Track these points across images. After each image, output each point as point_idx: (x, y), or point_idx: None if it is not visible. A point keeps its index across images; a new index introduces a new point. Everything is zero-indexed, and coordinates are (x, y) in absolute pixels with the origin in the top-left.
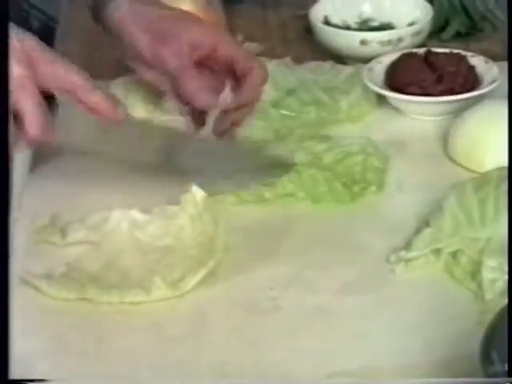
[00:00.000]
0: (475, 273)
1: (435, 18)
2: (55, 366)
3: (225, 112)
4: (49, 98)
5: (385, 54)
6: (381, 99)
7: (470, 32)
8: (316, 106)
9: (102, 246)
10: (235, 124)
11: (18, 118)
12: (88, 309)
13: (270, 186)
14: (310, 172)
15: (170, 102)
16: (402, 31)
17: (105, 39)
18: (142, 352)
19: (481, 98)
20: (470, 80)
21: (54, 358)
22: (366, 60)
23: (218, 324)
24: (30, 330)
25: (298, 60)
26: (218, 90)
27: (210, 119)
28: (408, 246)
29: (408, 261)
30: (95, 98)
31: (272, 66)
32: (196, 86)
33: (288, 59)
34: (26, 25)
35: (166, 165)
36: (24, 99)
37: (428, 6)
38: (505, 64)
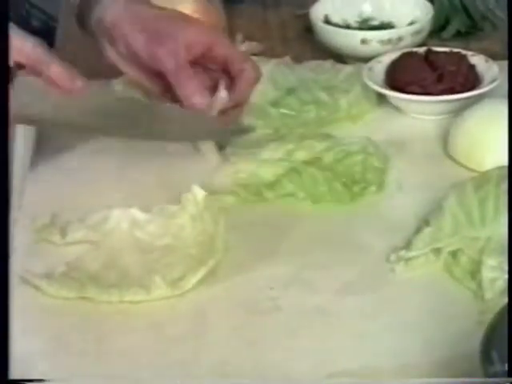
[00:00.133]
0: (475, 272)
1: (435, 17)
2: (55, 366)
3: (220, 112)
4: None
5: (385, 53)
6: (381, 98)
7: (471, 31)
8: (316, 105)
9: (102, 245)
10: (227, 124)
11: None
12: (88, 308)
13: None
14: (309, 172)
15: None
16: (402, 30)
17: None
18: (142, 352)
19: (481, 97)
20: (470, 79)
21: (53, 358)
22: (366, 59)
23: (218, 324)
24: (29, 329)
25: (298, 59)
26: (211, 90)
27: None
28: (408, 245)
29: (408, 260)
30: (53, 70)
31: (272, 65)
32: (191, 87)
33: (288, 58)
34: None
35: (128, 130)
36: None
37: (428, 5)
38: (505, 63)
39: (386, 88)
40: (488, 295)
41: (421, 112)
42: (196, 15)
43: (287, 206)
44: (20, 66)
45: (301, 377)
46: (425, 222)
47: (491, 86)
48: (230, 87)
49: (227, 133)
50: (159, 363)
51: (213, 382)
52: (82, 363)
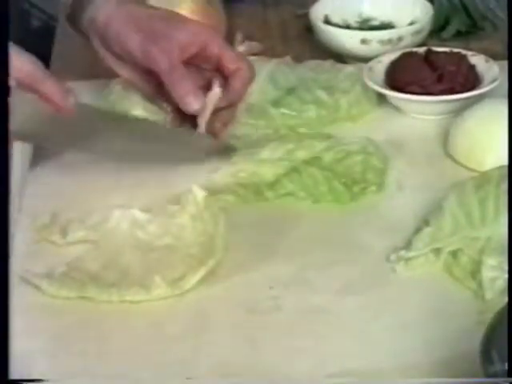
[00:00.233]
0: (475, 272)
1: (435, 17)
2: (55, 366)
3: (214, 112)
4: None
5: (385, 53)
6: (381, 98)
7: (471, 31)
8: (316, 105)
9: (103, 245)
10: (223, 124)
11: None
12: (88, 308)
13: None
14: (310, 171)
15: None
16: (402, 30)
17: None
18: (142, 351)
19: (481, 97)
20: (470, 79)
21: (53, 358)
22: (367, 59)
23: (218, 323)
24: (30, 329)
25: (298, 59)
26: (205, 90)
27: (202, 120)
28: (408, 245)
29: (408, 260)
30: (48, 87)
31: (272, 65)
32: (184, 87)
33: (288, 58)
34: (26, 24)
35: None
36: None
37: (428, 4)
38: (505, 63)
39: (386, 88)
40: (488, 295)
41: (421, 112)
42: (195, 16)
43: (287, 206)
44: (18, 83)
45: (301, 377)
46: (425, 222)
47: (491, 86)
48: (224, 87)
49: (213, 153)
50: (159, 363)
51: (213, 381)
52: (82, 363)
